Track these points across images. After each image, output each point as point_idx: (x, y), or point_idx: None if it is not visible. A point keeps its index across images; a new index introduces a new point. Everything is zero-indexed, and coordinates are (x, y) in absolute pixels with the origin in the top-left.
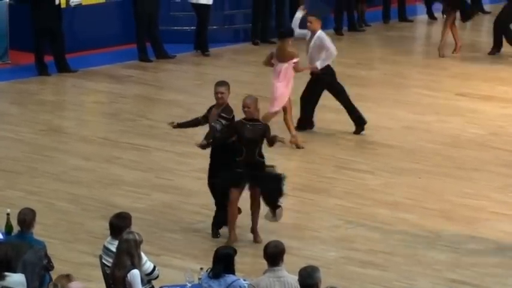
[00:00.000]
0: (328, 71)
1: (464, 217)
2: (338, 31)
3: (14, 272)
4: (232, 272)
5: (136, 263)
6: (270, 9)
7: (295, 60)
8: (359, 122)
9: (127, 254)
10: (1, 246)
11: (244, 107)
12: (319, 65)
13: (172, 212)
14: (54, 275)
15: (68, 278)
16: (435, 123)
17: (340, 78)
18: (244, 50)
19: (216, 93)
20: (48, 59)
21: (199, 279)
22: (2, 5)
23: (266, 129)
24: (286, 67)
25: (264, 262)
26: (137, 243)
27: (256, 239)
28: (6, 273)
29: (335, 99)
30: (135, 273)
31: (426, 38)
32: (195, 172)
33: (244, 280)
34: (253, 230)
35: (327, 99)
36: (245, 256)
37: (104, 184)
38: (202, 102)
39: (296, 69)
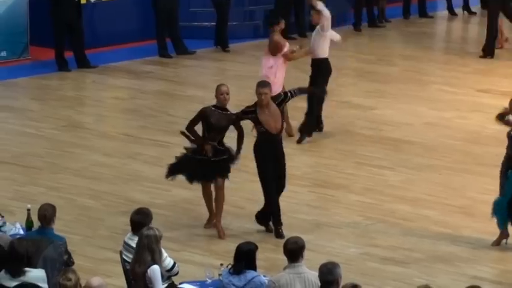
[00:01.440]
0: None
1: (485, 213)
2: (357, 27)
3: (35, 267)
4: (254, 268)
5: (157, 259)
6: (291, 6)
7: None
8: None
9: (148, 249)
10: (22, 242)
11: (223, 93)
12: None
13: (192, 208)
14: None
15: (72, 271)
16: (456, 119)
17: (360, 74)
18: (264, 46)
19: (259, 93)
20: (68, 54)
21: (220, 275)
22: (22, 0)
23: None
24: (276, 60)
25: (284, 258)
26: (157, 239)
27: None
28: (27, 269)
29: (352, 96)
30: (155, 268)
31: (447, 34)
32: None
33: (264, 276)
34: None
35: (348, 95)
36: (265, 252)
37: (124, 180)
38: None
39: (288, 58)
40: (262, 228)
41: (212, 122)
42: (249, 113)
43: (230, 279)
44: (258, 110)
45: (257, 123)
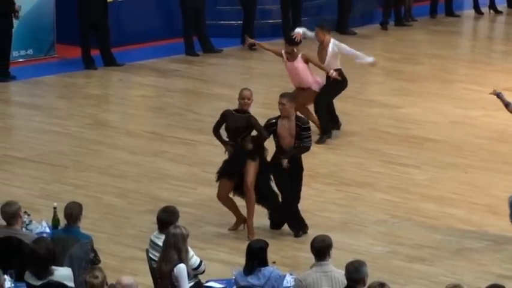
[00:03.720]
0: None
1: None
2: (384, 26)
3: (61, 265)
4: (265, 264)
5: (183, 257)
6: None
7: None
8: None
9: (174, 248)
10: (40, 243)
11: (244, 98)
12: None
13: (218, 206)
14: None
15: (100, 269)
16: (481, 117)
17: (387, 73)
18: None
19: (279, 103)
20: (94, 52)
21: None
22: None
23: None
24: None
25: (310, 256)
26: (184, 237)
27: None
28: (53, 267)
29: (378, 95)
30: (181, 267)
31: (473, 33)
32: None
33: (291, 275)
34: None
35: (375, 94)
36: (292, 250)
37: (150, 178)
38: None
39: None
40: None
41: (229, 124)
42: (270, 126)
43: (248, 280)
44: (279, 121)
45: (275, 135)
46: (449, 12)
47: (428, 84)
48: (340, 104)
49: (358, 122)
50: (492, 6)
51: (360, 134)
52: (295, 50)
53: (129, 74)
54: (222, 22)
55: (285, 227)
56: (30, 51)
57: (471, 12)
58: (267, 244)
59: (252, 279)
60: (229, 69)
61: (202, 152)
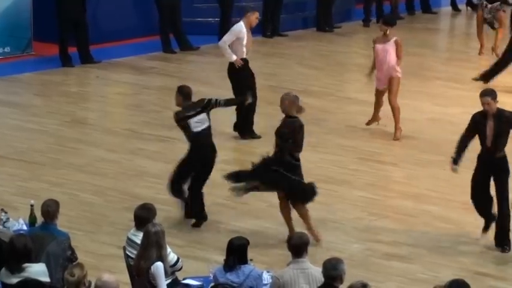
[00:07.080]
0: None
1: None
2: (366, 23)
3: (38, 262)
4: (245, 262)
5: (164, 254)
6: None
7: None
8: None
9: (156, 245)
10: (19, 238)
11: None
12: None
13: None
14: None
15: (80, 266)
16: (459, 115)
17: (365, 70)
18: (267, 41)
19: None
20: (71, 50)
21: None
22: None
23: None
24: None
25: (288, 254)
26: (163, 234)
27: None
28: (27, 264)
29: (355, 92)
30: (159, 265)
31: (450, 30)
32: (219, 164)
33: (268, 272)
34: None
35: (352, 91)
36: (269, 248)
37: (128, 175)
38: (226, 94)
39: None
40: (268, 225)
41: None
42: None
43: (227, 277)
44: None
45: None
46: (427, 9)
47: (407, 81)
48: (318, 101)
49: (336, 119)
50: (469, 3)
51: (337, 131)
52: (388, 32)
53: (106, 71)
54: (199, 19)
55: (261, 223)
56: (7, 49)
57: (448, 9)
58: (248, 242)
59: (231, 276)
60: (206, 67)
61: (180, 149)
